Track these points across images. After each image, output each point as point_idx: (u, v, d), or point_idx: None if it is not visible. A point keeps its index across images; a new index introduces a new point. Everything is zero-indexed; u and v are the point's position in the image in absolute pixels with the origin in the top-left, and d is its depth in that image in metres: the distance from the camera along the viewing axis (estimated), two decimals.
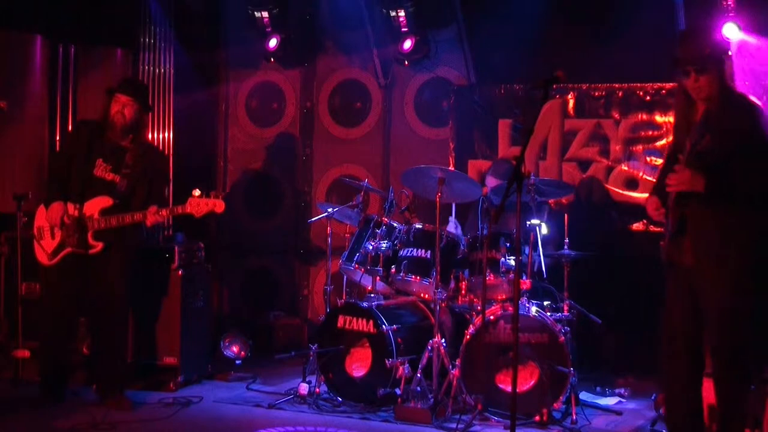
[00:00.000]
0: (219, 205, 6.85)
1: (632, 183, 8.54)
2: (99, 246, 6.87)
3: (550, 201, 8.24)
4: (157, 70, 9.12)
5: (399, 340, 7.12)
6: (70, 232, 6.86)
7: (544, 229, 7.19)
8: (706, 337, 5.30)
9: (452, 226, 7.91)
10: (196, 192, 6.84)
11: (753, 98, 5.40)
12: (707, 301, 5.20)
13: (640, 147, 8.62)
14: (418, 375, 6.93)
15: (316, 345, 7.37)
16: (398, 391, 6.94)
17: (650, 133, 8.64)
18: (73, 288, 7.00)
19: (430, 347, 6.98)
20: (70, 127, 8.91)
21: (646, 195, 8.32)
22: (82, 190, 6.90)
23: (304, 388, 7.25)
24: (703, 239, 5.19)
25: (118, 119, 6.91)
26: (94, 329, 7.26)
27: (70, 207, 6.87)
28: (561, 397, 6.59)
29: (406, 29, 8.93)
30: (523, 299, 6.92)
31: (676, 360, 5.39)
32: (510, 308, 6.82)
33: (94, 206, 6.87)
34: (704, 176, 5.08)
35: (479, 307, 7.06)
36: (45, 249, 6.95)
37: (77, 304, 7.09)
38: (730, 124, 5.13)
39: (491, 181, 7.84)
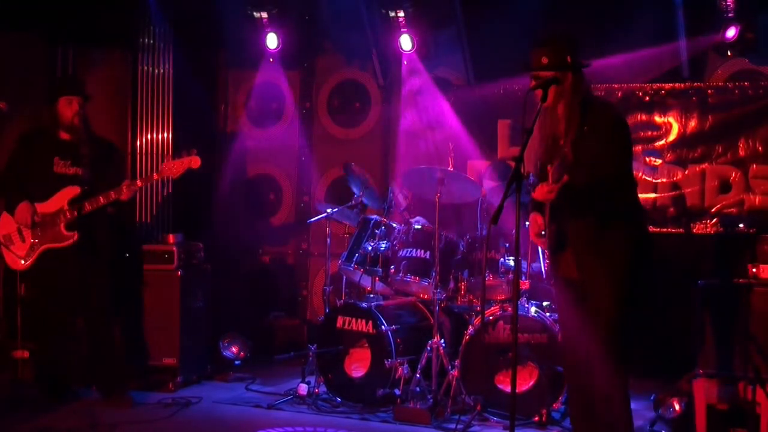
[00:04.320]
0: (194, 161, 6.98)
1: None
2: (74, 236, 6.90)
3: None
4: (156, 71, 9.10)
5: (398, 340, 7.13)
6: (43, 228, 6.89)
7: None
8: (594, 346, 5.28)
9: None
10: (167, 157, 6.93)
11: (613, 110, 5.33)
12: (593, 312, 5.18)
13: (639, 147, 8.62)
14: (418, 375, 6.94)
15: (315, 345, 7.39)
16: (397, 392, 6.95)
17: (649, 133, 8.65)
18: (58, 285, 7.04)
19: (429, 348, 6.99)
20: None
21: (645, 195, 8.40)
22: (45, 190, 6.95)
23: (303, 389, 7.25)
24: (583, 253, 5.20)
25: (77, 120, 7.01)
26: (86, 329, 7.24)
27: (38, 206, 6.90)
28: (560, 398, 6.59)
29: (405, 29, 8.92)
30: (523, 299, 6.93)
31: (576, 369, 5.41)
32: (509, 309, 6.82)
33: (62, 198, 6.92)
34: (561, 189, 5.11)
35: (478, 308, 7.06)
36: (17, 253, 6.97)
37: (68, 301, 7.10)
38: (587, 140, 5.13)
39: (489, 183, 7.85)
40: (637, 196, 5.42)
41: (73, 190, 6.92)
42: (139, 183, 6.99)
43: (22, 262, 6.96)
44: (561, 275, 5.41)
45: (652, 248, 5.29)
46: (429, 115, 9.56)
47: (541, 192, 5.06)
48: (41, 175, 6.97)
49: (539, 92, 5.17)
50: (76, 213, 6.87)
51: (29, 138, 7.12)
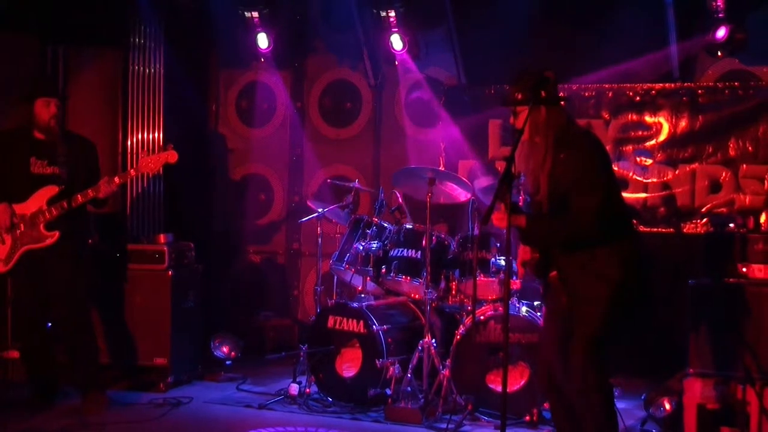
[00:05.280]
0: (171, 156, 6.87)
1: (622, 183, 8.52)
2: (54, 235, 6.82)
3: None
4: (147, 71, 9.08)
5: (389, 340, 7.13)
6: (22, 230, 6.83)
7: None
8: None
9: None
10: (143, 153, 6.85)
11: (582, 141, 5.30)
12: (577, 325, 5.17)
13: (629, 147, 8.65)
14: (409, 375, 6.94)
15: (306, 345, 7.38)
16: (388, 392, 6.95)
17: (640, 133, 8.66)
18: (40, 287, 6.95)
19: (420, 347, 7.00)
20: None
21: (636, 195, 8.42)
22: (23, 190, 6.86)
23: (294, 389, 7.25)
24: (570, 278, 5.21)
25: (54, 122, 6.90)
26: (59, 328, 7.18)
27: (15, 207, 6.83)
28: None
29: (396, 29, 8.92)
30: (514, 299, 6.94)
31: (551, 382, 5.41)
32: (500, 308, 6.83)
33: (41, 198, 6.83)
34: (525, 216, 5.20)
35: (469, 307, 7.07)
36: None
37: (51, 301, 7.01)
38: (564, 169, 5.14)
39: (480, 182, 7.87)
40: (624, 214, 5.36)
41: (51, 190, 6.82)
42: (117, 180, 6.88)
43: (4, 265, 6.89)
44: (549, 298, 5.44)
45: (640, 261, 5.28)
46: (420, 115, 9.59)
47: (496, 219, 5.09)
48: (18, 175, 6.87)
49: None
50: (55, 212, 6.79)
51: (2, 139, 7.06)
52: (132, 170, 6.98)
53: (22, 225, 6.82)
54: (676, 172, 8.54)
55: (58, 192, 6.83)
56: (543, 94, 5.20)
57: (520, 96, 5.28)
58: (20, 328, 7.18)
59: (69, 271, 6.93)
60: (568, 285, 5.21)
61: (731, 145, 8.39)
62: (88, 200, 6.82)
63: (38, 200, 6.83)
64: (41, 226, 6.82)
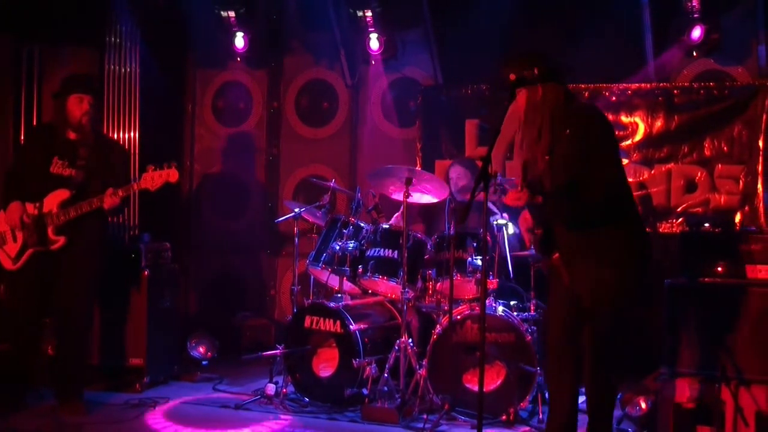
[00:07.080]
0: (172, 174, 6.82)
1: None
2: (60, 240, 6.79)
3: None
4: (123, 70, 9.05)
5: (366, 339, 7.12)
6: (30, 230, 6.78)
7: (511, 229, 7.20)
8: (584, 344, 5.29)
9: None
10: (150, 167, 6.81)
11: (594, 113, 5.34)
12: (586, 319, 5.19)
13: None
14: (385, 375, 6.93)
15: (283, 345, 7.36)
16: (365, 391, 6.95)
17: (616, 133, 8.67)
18: (38, 290, 6.90)
19: (397, 347, 6.99)
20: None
21: None
22: (40, 189, 6.82)
23: (271, 389, 7.23)
24: (575, 261, 5.22)
25: (86, 120, 6.87)
26: (58, 331, 7.16)
27: (29, 206, 6.80)
28: (528, 397, 6.61)
29: (373, 29, 8.93)
30: (490, 299, 6.94)
31: (557, 363, 5.41)
32: (477, 308, 6.83)
33: (53, 201, 6.80)
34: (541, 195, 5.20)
35: (446, 307, 7.07)
36: (8, 254, 6.86)
37: (43, 305, 6.98)
38: (569, 144, 5.15)
39: (456, 182, 7.90)
40: (629, 194, 5.36)
41: (63, 194, 6.79)
42: (120, 193, 6.84)
43: (13, 263, 6.85)
44: (552, 282, 5.44)
45: (650, 247, 5.29)
46: (397, 115, 9.60)
47: (511, 198, 5.09)
48: (39, 173, 6.84)
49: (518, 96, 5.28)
50: (63, 218, 6.75)
51: (36, 133, 7.05)
52: (134, 184, 6.90)
53: (32, 225, 6.79)
54: (652, 171, 8.58)
55: (69, 196, 6.80)
56: (536, 72, 5.20)
57: (513, 76, 5.25)
58: (11, 326, 7.08)
59: (75, 277, 6.90)
60: (572, 267, 5.20)
61: (707, 145, 8.44)
62: (93, 210, 6.78)
63: (50, 202, 6.80)
64: (50, 230, 6.78)
